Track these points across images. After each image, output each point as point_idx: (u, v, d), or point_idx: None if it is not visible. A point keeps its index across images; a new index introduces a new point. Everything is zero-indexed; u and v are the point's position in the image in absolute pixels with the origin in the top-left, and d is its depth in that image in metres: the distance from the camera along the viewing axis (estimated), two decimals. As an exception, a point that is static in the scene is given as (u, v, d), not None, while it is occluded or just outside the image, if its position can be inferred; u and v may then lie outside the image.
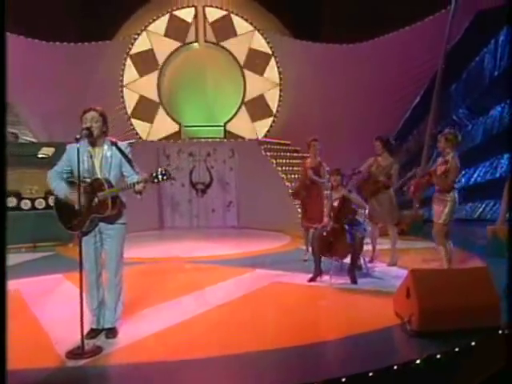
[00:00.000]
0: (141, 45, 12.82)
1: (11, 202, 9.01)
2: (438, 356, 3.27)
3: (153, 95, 12.89)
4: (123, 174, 3.75)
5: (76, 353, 3.44)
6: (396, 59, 11.56)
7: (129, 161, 3.70)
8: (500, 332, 3.60)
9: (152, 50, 12.83)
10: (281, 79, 12.92)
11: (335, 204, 5.67)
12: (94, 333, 3.82)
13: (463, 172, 10.86)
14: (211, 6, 12.84)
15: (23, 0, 11.96)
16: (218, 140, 12.46)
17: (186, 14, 12.83)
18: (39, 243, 9.09)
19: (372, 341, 3.63)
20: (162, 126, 12.88)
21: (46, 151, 9.14)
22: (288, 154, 12.08)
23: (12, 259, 7.68)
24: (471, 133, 10.77)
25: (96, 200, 3.57)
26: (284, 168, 11.41)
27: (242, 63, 12.88)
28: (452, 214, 5.42)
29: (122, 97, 12.89)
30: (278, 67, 12.92)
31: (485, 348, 3.50)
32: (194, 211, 12.29)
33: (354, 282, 5.42)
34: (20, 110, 13.53)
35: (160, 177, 3.45)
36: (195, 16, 12.81)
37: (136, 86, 12.88)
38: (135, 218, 10.89)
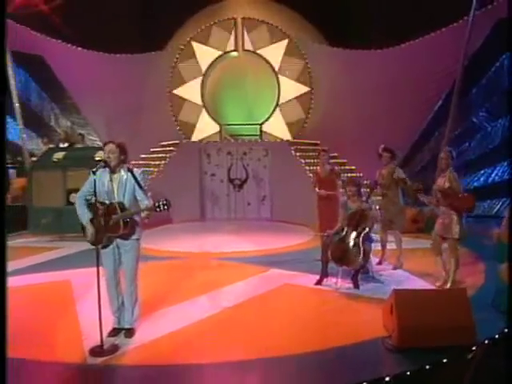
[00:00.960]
0: (186, 54, 12.97)
1: (73, 198, 9.41)
2: (408, 373, 3.23)
3: (197, 99, 13.05)
4: (136, 198, 3.89)
5: (96, 351, 3.67)
6: (421, 63, 11.09)
7: (141, 187, 3.85)
8: (473, 348, 3.49)
9: (196, 58, 12.95)
10: (312, 83, 12.70)
11: (351, 214, 5.49)
12: (115, 331, 4.05)
13: (482, 171, 10.41)
14: (249, 19, 12.75)
15: (91, 18, 12.54)
16: (253, 140, 12.49)
17: (226, 26, 12.82)
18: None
19: (352, 354, 3.62)
20: (205, 126, 13.04)
21: (101, 154, 9.51)
22: (316, 153, 11.91)
23: (74, 247, 8.13)
24: (490, 134, 10.28)
25: (111, 222, 3.74)
26: (312, 167, 11.28)
27: (276, 69, 12.76)
28: (463, 226, 5.15)
29: (171, 101, 13.14)
30: (309, 72, 12.69)
31: (457, 365, 3.41)
32: (232, 204, 12.44)
33: (357, 287, 5.34)
34: (87, 114, 14.15)
35: (161, 206, 3.59)
36: (234, 27, 12.77)
37: (182, 91, 13.08)
38: (180, 210, 11.37)
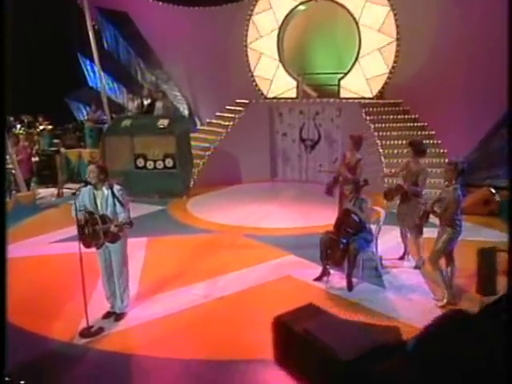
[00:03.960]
0: (261, 6, 13.00)
1: (140, 162, 10.68)
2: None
3: (273, 53, 13.17)
4: (116, 211, 4.71)
5: (83, 332, 4.74)
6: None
7: (119, 202, 4.63)
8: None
9: (271, 10, 12.92)
10: (398, 33, 11.89)
11: (338, 214, 5.73)
12: (108, 314, 5.11)
13: None
14: (327, -37, 12.16)
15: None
16: (325, 100, 12.39)
17: (303, -27, 12.45)
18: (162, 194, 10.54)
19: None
20: (281, 82, 13.21)
21: (162, 122, 10.54)
22: (391, 116, 11.49)
23: (137, 209, 9.32)
24: None
25: (95, 231, 4.65)
26: (381, 133, 10.97)
27: (357, 18, 12.14)
28: (450, 244, 5.11)
29: (247, 55, 13.47)
30: (396, 20, 11.84)
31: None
32: (304, 165, 12.78)
33: (350, 288, 5.63)
34: (169, 68, 15.31)
35: (125, 225, 4.40)
36: (312, -27, 12.35)
37: (258, 45, 13.29)
38: (250, 170, 12.05)
